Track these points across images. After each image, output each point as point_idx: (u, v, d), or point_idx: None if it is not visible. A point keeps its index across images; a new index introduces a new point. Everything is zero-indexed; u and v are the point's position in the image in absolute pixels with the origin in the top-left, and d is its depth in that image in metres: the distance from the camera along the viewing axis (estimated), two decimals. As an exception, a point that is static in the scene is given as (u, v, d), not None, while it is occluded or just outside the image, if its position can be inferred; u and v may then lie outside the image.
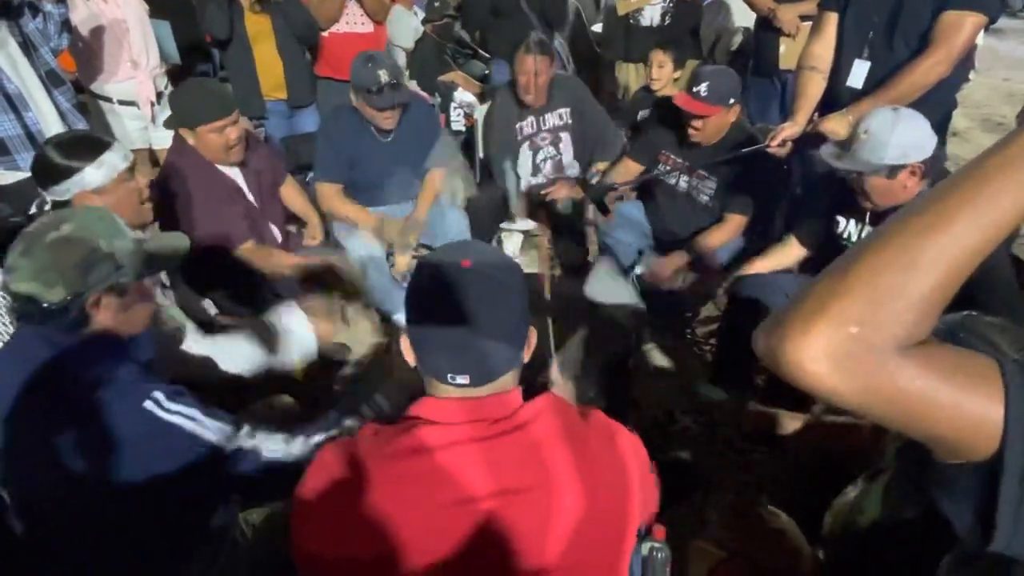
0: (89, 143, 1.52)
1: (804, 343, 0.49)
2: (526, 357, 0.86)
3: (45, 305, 1.03)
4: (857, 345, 0.48)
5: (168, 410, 1.04)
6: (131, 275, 1.11)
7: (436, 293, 0.80)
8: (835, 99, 2.14)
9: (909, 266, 0.48)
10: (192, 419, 1.05)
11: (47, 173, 1.49)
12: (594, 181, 2.71)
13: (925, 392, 0.49)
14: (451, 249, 0.85)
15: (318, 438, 1.16)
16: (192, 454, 1.05)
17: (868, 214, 1.81)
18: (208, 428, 1.07)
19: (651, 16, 3.47)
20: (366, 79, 2.28)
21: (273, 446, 1.12)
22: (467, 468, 0.77)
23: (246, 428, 1.11)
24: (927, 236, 0.48)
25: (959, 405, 0.49)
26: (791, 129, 2.16)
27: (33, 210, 1.56)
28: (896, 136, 1.60)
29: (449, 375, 0.79)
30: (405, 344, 0.84)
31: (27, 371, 1.05)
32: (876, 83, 2.03)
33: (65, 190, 1.48)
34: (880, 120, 1.63)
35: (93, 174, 1.47)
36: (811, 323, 0.49)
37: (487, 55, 3.83)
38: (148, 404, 1.03)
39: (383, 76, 2.28)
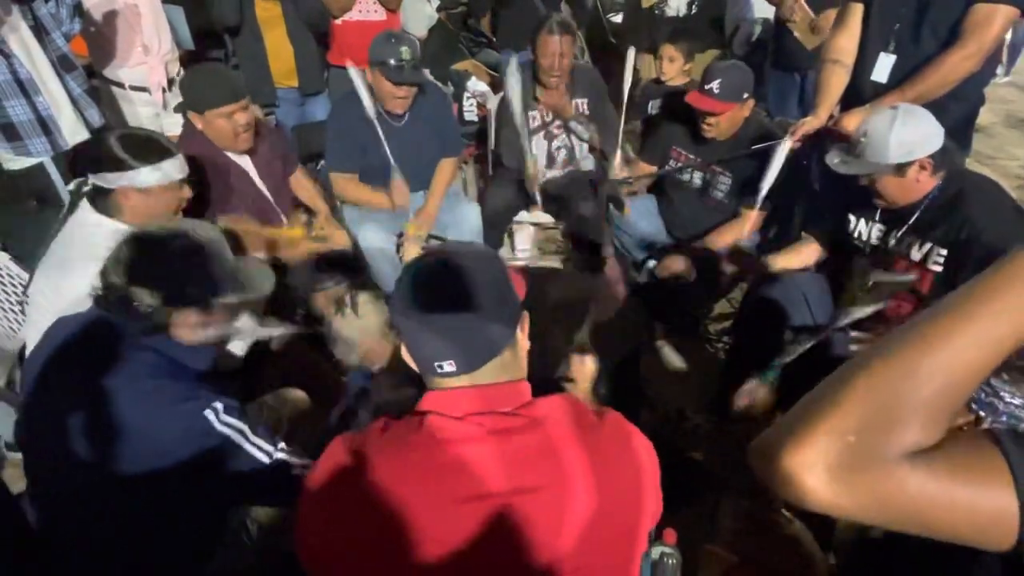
0: (154, 145, 1.53)
1: (800, 454, 0.48)
2: (523, 342, 0.85)
3: (135, 304, 1.05)
4: (857, 455, 0.48)
5: (223, 422, 1.07)
6: (222, 299, 1.14)
7: (410, 290, 0.82)
8: (859, 93, 2.08)
9: (907, 375, 0.48)
10: (241, 433, 1.09)
11: (104, 161, 1.49)
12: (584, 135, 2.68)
13: (937, 496, 0.48)
14: (427, 254, 0.89)
15: None
16: (232, 464, 1.08)
17: (879, 212, 1.78)
18: (252, 444, 1.10)
19: (677, 7, 3.43)
20: (387, 53, 2.25)
21: (304, 464, 1.15)
22: (481, 464, 0.76)
23: (282, 445, 1.14)
24: (926, 349, 0.49)
25: (974, 504, 0.49)
26: (812, 123, 2.11)
27: (72, 187, 1.57)
28: (895, 135, 1.57)
29: (436, 364, 0.80)
30: (405, 352, 0.85)
31: (82, 356, 1.07)
32: (901, 77, 1.97)
33: (113, 181, 1.48)
34: (878, 121, 1.61)
35: (147, 175, 1.48)
36: (807, 433, 0.49)
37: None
38: (208, 412, 1.06)
39: (405, 53, 2.25)
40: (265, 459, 1.11)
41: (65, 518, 1.11)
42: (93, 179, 1.50)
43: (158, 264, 1.08)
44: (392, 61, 2.25)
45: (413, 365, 0.84)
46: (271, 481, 1.11)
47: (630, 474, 0.82)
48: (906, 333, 0.51)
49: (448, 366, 0.79)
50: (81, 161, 1.54)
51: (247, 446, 1.09)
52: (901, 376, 0.49)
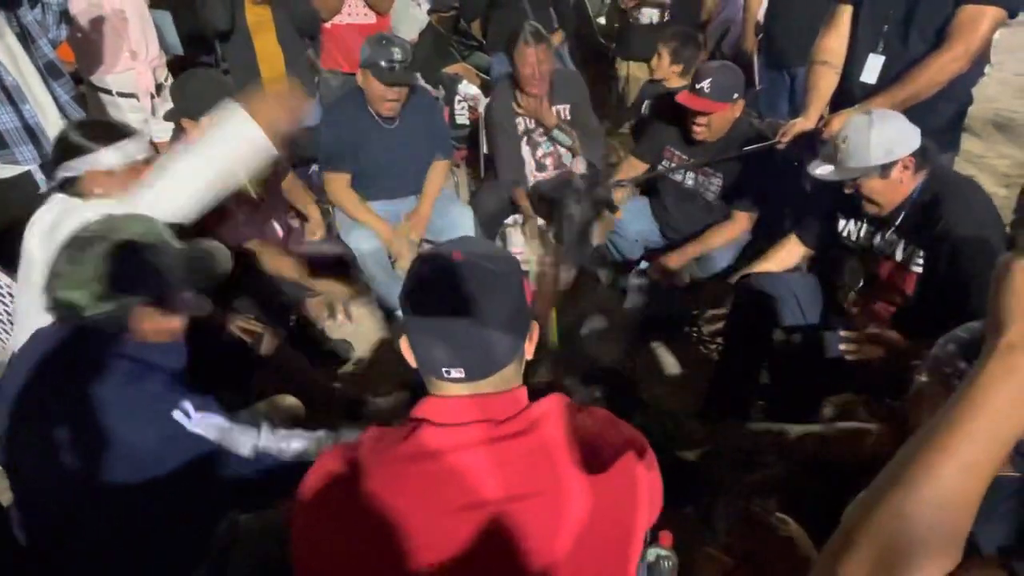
0: (112, 128, 1.53)
1: None
2: (529, 352, 0.84)
3: (87, 314, 1.03)
4: None
5: (195, 421, 1.06)
6: (175, 289, 1.12)
7: (427, 287, 0.79)
8: (848, 94, 2.09)
9: (896, 516, 0.52)
10: (219, 428, 1.07)
11: (63, 150, 1.48)
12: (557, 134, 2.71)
13: None
14: (444, 245, 0.85)
15: (348, 437, 1.17)
16: (212, 464, 1.06)
17: (867, 213, 1.78)
18: (233, 438, 1.08)
19: (650, 15, 3.50)
20: (379, 55, 2.26)
21: (297, 443, 1.14)
22: (475, 472, 0.76)
23: (266, 425, 1.12)
24: (909, 488, 0.52)
25: None
26: (803, 125, 2.12)
27: (43, 190, 1.56)
28: (875, 136, 1.59)
29: (444, 369, 0.78)
30: (404, 345, 0.83)
31: (58, 368, 1.05)
32: (890, 78, 1.98)
33: (77, 167, 1.46)
34: (855, 125, 1.64)
35: (108, 156, 1.47)
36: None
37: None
38: (176, 414, 1.04)
39: (397, 54, 2.26)
40: (248, 449, 1.09)
41: (50, 531, 1.09)
42: (60, 171, 1.49)
43: (95, 268, 1.03)
44: (383, 63, 2.25)
45: (413, 363, 0.83)
46: (259, 472, 1.10)
47: (625, 477, 0.81)
48: (890, 472, 0.54)
49: (456, 372, 0.78)
50: (52, 160, 1.54)
51: (225, 439, 1.07)
52: (891, 517, 0.52)
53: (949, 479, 0.51)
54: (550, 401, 0.82)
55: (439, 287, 0.78)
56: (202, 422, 1.06)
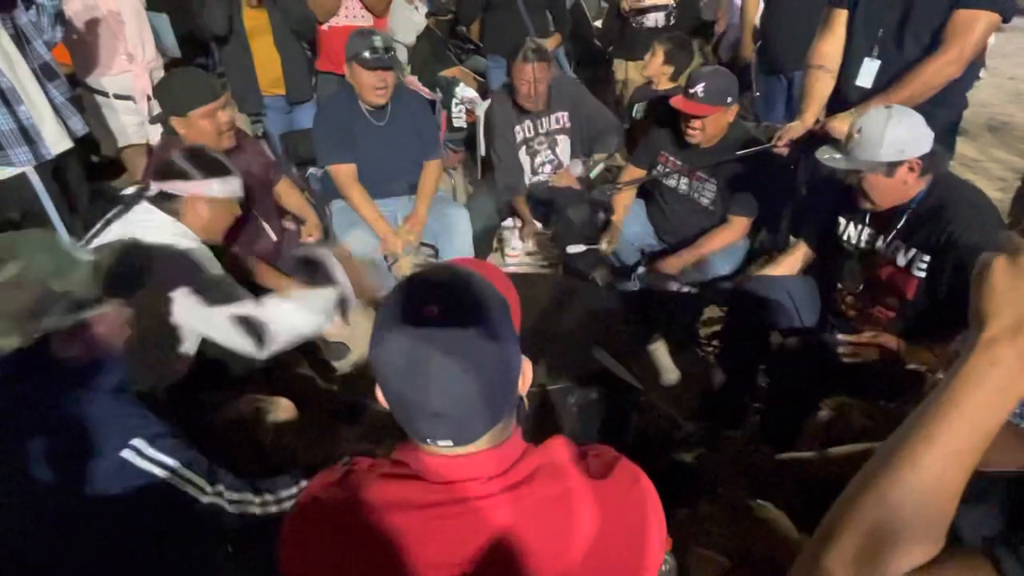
0: (218, 162, 1.66)
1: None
2: (523, 390, 0.79)
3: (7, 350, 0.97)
4: None
5: (147, 457, 1.01)
6: (92, 305, 1.05)
7: (402, 355, 0.69)
8: (844, 98, 2.10)
9: (879, 503, 0.53)
10: (167, 468, 1.02)
11: (174, 172, 1.58)
12: (593, 174, 2.71)
13: None
14: (418, 297, 0.72)
15: (286, 493, 1.15)
16: (165, 502, 1.02)
17: (868, 215, 1.78)
18: (182, 479, 1.04)
19: (656, 18, 3.52)
20: (361, 46, 2.31)
21: (244, 507, 1.10)
22: (487, 523, 0.73)
23: (220, 486, 1.09)
24: (893, 476, 0.53)
25: None
26: (798, 128, 2.12)
27: (131, 190, 1.64)
28: (889, 133, 1.58)
29: (429, 439, 0.73)
30: (380, 395, 0.75)
31: (10, 413, 0.99)
32: (886, 82, 1.99)
33: (183, 188, 1.57)
34: (872, 119, 1.62)
35: (215, 186, 1.61)
36: (820, 570, 0.54)
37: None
38: (126, 453, 1.00)
39: (378, 42, 2.32)
40: (197, 493, 1.04)
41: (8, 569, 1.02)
42: (160, 186, 1.57)
43: None
44: (366, 52, 2.30)
45: (389, 408, 0.76)
46: (204, 521, 1.05)
47: (635, 515, 0.79)
48: (874, 462, 0.55)
49: (443, 443, 0.72)
50: (153, 174, 1.64)
51: (174, 480, 1.02)
52: (874, 505, 0.53)
53: (932, 467, 0.52)
54: (555, 443, 0.79)
55: (416, 358, 0.68)
56: (154, 459, 1.02)
